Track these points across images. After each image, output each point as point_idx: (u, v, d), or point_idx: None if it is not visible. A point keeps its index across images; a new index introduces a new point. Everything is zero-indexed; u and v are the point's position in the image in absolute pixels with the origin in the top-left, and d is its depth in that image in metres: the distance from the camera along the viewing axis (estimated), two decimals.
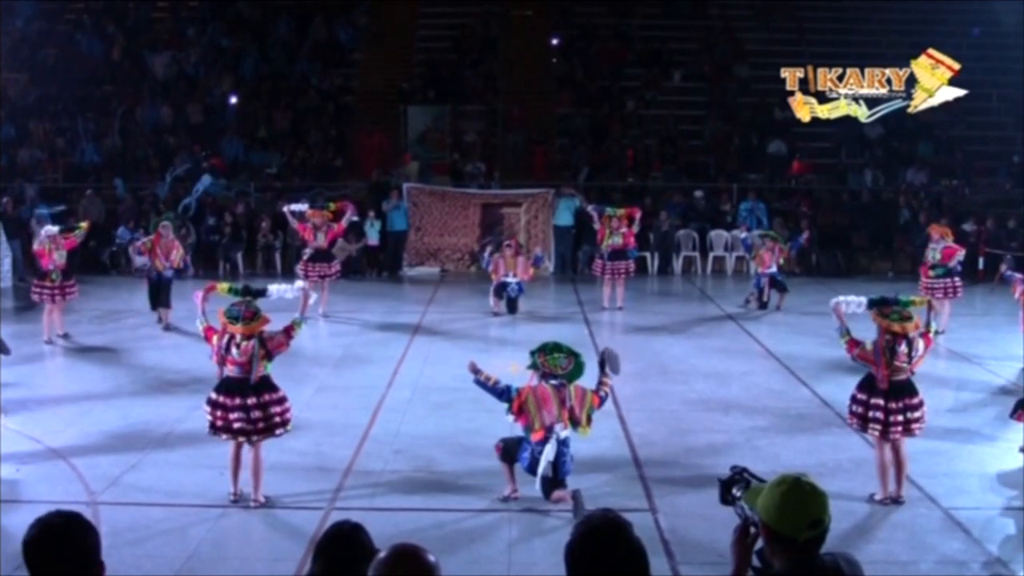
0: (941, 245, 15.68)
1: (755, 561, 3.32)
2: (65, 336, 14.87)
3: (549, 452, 8.18)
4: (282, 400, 8.56)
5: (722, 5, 28.51)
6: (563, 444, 8.25)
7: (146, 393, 12.04)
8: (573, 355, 8.53)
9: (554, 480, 8.29)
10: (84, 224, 16.14)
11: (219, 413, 8.40)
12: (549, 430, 8.19)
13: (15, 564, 3.29)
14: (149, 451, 9.80)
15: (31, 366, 13.45)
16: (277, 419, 8.49)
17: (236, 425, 8.35)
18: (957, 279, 15.69)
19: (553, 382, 8.36)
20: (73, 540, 3.07)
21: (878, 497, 8.56)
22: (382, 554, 3.00)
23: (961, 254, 15.77)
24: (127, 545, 7.36)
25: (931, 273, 15.70)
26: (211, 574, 7.21)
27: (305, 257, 17.04)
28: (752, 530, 3.28)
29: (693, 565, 7.25)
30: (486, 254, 17.60)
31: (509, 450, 8.50)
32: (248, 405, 8.34)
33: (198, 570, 7.26)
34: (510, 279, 16.80)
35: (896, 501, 8.54)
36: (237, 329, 8.35)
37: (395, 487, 8.92)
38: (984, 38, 26.32)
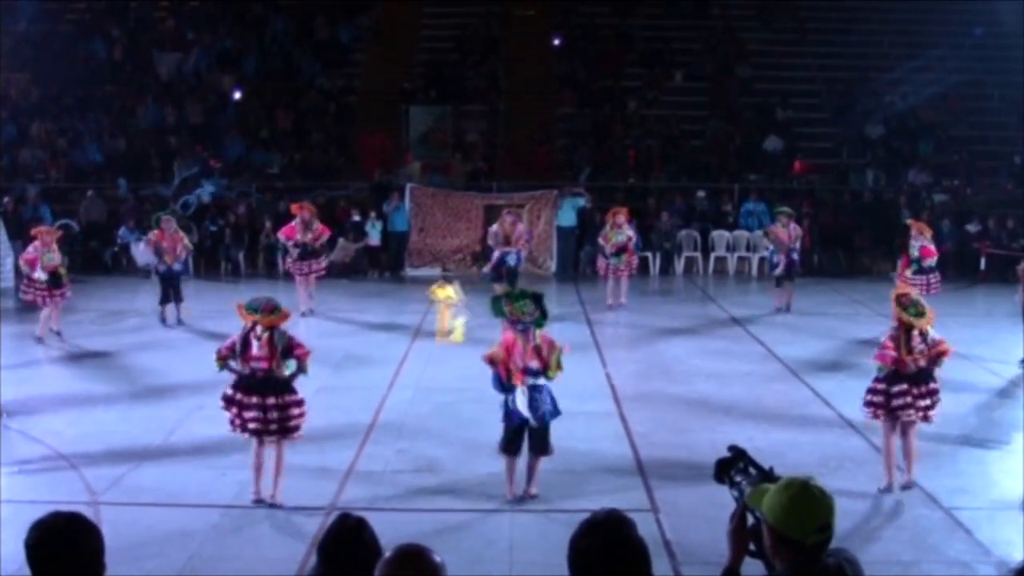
0: (919, 243, 15.76)
1: (751, 547, 3.31)
2: (58, 333, 14.79)
3: (521, 400, 8.29)
4: (300, 403, 8.52)
5: (724, 5, 28.49)
6: (535, 390, 8.34)
7: (148, 393, 12.04)
8: (539, 302, 8.60)
9: (535, 427, 8.33)
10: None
11: (235, 410, 8.36)
12: (526, 372, 8.31)
13: (18, 564, 3.29)
14: (151, 452, 9.81)
15: (33, 367, 13.46)
16: (293, 423, 8.44)
17: (251, 425, 8.30)
18: (934, 276, 15.80)
19: (520, 327, 8.43)
20: (76, 541, 3.07)
21: (884, 485, 8.61)
22: (388, 554, 3.01)
23: (932, 260, 15.87)
24: (129, 545, 7.34)
25: (908, 271, 15.80)
26: (212, 574, 7.22)
27: (293, 255, 16.93)
28: (750, 519, 3.26)
29: (695, 565, 7.24)
30: (491, 229, 17.69)
31: (507, 440, 8.50)
32: (267, 405, 8.29)
33: (200, 570, 7.27)
34: (509, 249, 16.89)
35: (908, 486, 8.67)
36: (257, 319, 8.31)
37: (397, 487, 8.93)
38: (986, 38, 26.33)
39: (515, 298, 8.66)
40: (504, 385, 8.45)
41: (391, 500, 8.60)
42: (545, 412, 8.43)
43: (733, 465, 3.42)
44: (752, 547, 3.26)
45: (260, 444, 8.42)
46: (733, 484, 3.37)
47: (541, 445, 8.52)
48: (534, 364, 8.36)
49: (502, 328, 8.75)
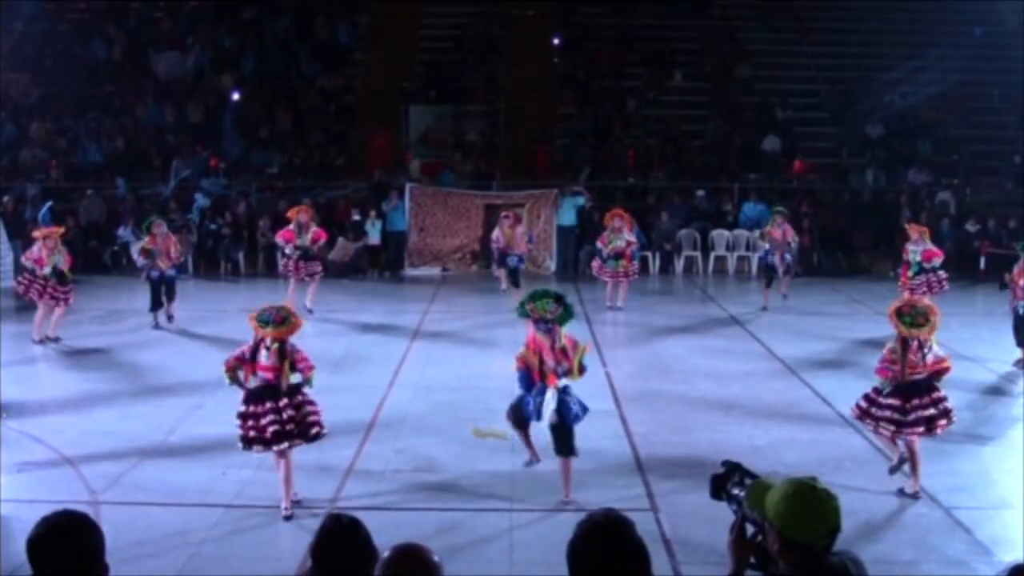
0: (921, 247, 15.79)
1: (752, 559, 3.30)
2: (56, 340, 14.67)
3: (550, 399, 8.29)
4: (312, 402, 8.46)
5: (724, 5, 28.52)
6: (563, 392, 8.36)
7: (147, 393, 12.03)
8: (561, 300, 8.64)
9: (562, 429, 8.38)
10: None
11: (250, 423, 8.24)
12: (559, 376, 8.33)
13: (17, 563, 3.30)
14: (150, 451, 9.80)
15: (33, 366, 13.46)
16: (312, 418, 8.35)
17: (271, 430, 8.17)
18: (940, 273, 15.83)
19: (544, 326, 8.45)
20: (78, 540, 3.07)
21: (894, 462, 8.76)
22: (386, 554, 3.02)
23: (938, 260, 15.89)
24: (128, 545, 7.33)
25: (910, 273, 15.83)
26: (212, 574, 7.21)
27: (293, 257, 16.86)
28: (750, 528, 3.26)
29: (695, 565, 7.25)
30: (493, 235, 17.68)
31: (517, 414, 8.52)
32: (280, 407, 8.22)
33: (199, 570, 7.26)
34: (509, 252, 16.92)
35: (914, 496, 8.68)
36: (268, 333, 8.29)
37: (396, 487, 8.93)
38: (986, 38, 26.33)
39: (537, 297, 8.69)
40: (534, 385, 8.42)
41: (391, 499, 8.60)
42: (577, 413, 8.43)
43: (729, 479, 3.40)
44: (752, 559, 3.26)
45: (280, 455, 8.28)
46: (731, 498, 3.36)
47: (567, 447, 8.50)
48: (563, 366, 8.38)
49: (527, 329, 8.77)
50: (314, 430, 8.39)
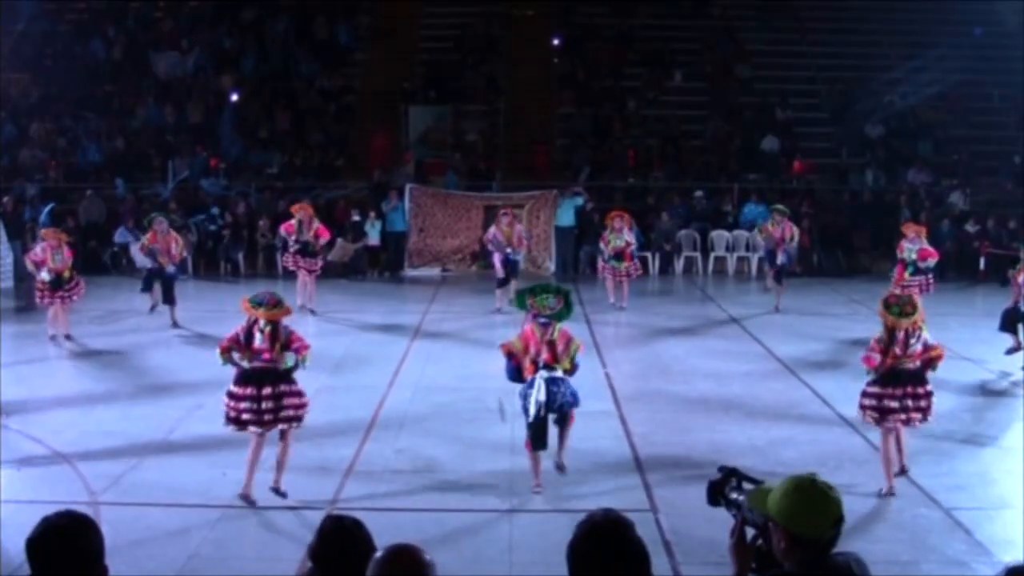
0: (917, 245, 15.81)
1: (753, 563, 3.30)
2: (68, 338, 14.75)
3: (539, 393, 8.36)
4: (300, 394, 8.52)
5: (723, 5, 28.50)
6: (551, 383, 8.43)
7: (147, 393, 12.03)
8: (562, 295, 8.73)
9: (544, 423, 8.46)
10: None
11: (231, 403, 8.40)
12: (537, 366, 8.42)
13: (17, 563, 3.30)
14: (150, 451, 9.80)
15: (32, 366, 13.44)
16: (290, 412, 8.42)
17: (244, 416, 8.31)
18: (930, 276, 15.90)
19: (541, 320, 8.55)
20: (78, 540, 3.07)
21: (884, 490, 8.64)
22: (379, 553, 3.02)
23: (933, 260, 15.91)
24: (128, 545, 7.34)
25: (907, 273, 15.85)
26: (212, 574, 7.21)
27: (292, 250, 16.90)
28: (750, 532, 3.26)
29: (694, 565, 7.25)
30: (490, 234, 17.64)
31: (535, 434, 8.55)
32: (261, 396, 8.30)
33: (199, 570, 7.26)
34: (507, 251, 16.93)
35: (902, 472, 8.82)
36: (260, 314, 8.38)
37: (396, 487, 8.93)
38: (985, 38, 26.32)
39: (538, 292, 8.79)
40: (517, 376, 8.55)
41: (390, 499, 8.60)
42: (564, 403, 8.53)
43: (726, 484, 3.40)
44: (753, 564, 3.26)
45: (259, 437, 8.38)
46: (729, 503, 3.36)
47: (563, 420, 8.67)
48: (544, 358, 8.46)
49: (524, 320, 8.85)
50: (286, 425, 8.46)
